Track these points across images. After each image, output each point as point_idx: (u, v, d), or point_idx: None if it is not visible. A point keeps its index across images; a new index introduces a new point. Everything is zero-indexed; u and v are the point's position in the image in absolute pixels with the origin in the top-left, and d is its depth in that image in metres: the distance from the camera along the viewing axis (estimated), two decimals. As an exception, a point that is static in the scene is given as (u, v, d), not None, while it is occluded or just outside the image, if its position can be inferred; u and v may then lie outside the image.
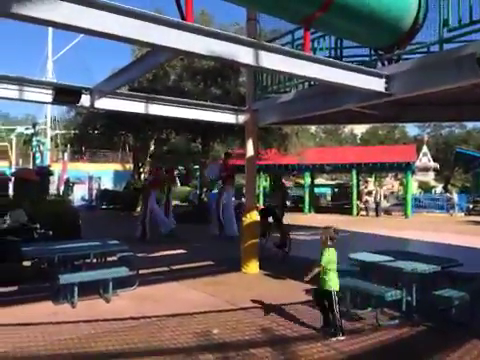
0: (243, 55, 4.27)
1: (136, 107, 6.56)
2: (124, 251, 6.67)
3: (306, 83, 7.36)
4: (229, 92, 16.33)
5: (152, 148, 23.53)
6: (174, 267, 8.47)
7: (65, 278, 5.54)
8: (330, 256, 4.80)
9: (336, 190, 31.41)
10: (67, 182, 21.80)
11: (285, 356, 4.30)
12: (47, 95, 5.73)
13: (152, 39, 3.62)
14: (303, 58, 4.82)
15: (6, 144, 31.45)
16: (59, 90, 5.63)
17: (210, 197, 24.75)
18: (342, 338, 4.64)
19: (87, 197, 26.26)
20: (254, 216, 8.21)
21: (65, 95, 5.66)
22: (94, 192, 26.58)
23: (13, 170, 18.53)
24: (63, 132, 31.84)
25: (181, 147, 25.55)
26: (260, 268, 8.15)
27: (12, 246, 6.75)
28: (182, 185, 32.31)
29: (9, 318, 5.22)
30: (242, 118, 8.30)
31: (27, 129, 21.36)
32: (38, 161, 20.74)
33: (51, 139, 29.75)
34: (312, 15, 4.72)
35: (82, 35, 32.63)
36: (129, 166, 34.10)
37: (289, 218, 11.21)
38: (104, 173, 29.55)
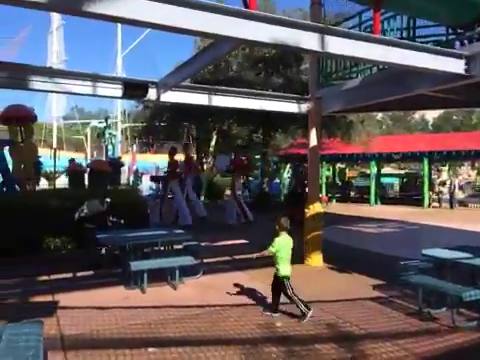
0: (308, 41, 4.10)
1: (199, 99, 6.65)
2: (189, 240, 6.84)
3: (374, 68, 6.95)
4: (291, 80, 16.01)
5: (214, 139, 23.88)
6: (237, 257, 8.55)
7: (135, 265, 5.82)
8: (279, 245, 5.00)
9: (405, 180, 29.73)
10: (136, 172, 22.93)
11: (352, 354, 4.14)
12: (117, 90, 6.00)
13: (216, 30, 3.59)
14: (372, 41, 4.52)
15: (82, 137, 33.94)
16: (128, 85, 5.87)
17: (271, 187, 24.71)
18: (306, 319, 4.83)
19: (154, 187, 27.49)
20: (318, 207, 8.01)
21: (133, 89, 5.89)
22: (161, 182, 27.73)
23: (88, 162, 19.83)
24: (132, 125, 33.55)
25: (242, 137, 25.73)
26: (324, 261, 7.95)
27: (89, 234, 7.24)
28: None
29: (86, 301, 5.61)
30: (305, 107, 8.08)
31: (100, 123, 22.82)
32: (110, 153, 22.06)
33: (121, 132, 31.49)
34: (383, -6, 4.40)
35: (148, 30, 34.00)
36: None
37: (353, 209, 10.76)
38: (169, 164, 30.68)
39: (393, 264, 6.08)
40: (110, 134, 21.76)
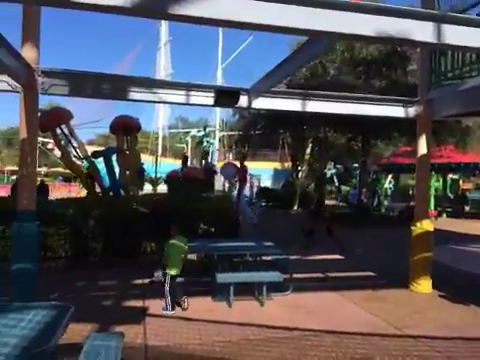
0: (420, 32, 3.46)
1: (292, 105, 6.28)
2: (278, 254, 6.48)
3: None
4: (395, 83, 14.70)
5: (309, 147, 23.24)
6: (330, 274, 7.91)
7: (222, 277, 5.65)
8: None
9: None
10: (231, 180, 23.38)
11: None
12: (209, 98, 5.94)
13: (310, 25, 3.20)
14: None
15: (183, 145, 35.94)
16: (219, 92, 5.77)
17: (369, 197, 23.07)
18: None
19: (248, 194, 27.79)
20: (426, 225, 7.00)
21: (225, 97, 5.78)
22: (255, 190, 27.92)
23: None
24: (230, 133, 34.49)
25: (339, 145, 24.62)
26: (433, 287, 6.90)
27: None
28: (341, 184, 31.23)
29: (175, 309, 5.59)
30: (413, 111, 7.17)
31: (199, 131, 23.85)
32: (209, 160, 22.87)
33: (219, 140, 32.62)
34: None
35: (248, 41, 34.80)
36: (287, 165, 34.80)
37: (468, 226, 9.29)
38: (264, 171, 30.80)
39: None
40: (208, 142, 22.52)
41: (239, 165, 13.23)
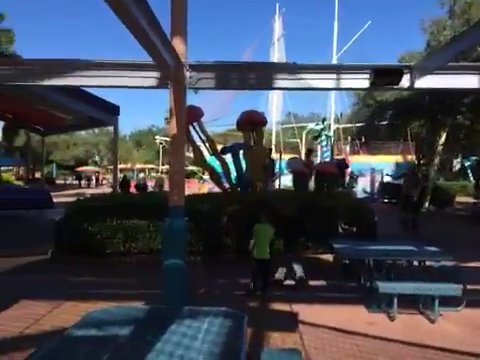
0: None
1: (468, 81, 5.15)
2: (446, 260, 5.45)
3: None
4: None
5: (443, 137, 20.46)
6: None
7: (385, 287, 4.88)
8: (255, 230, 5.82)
9: None
10: (351, 175, 22.02)
11: None
12: (363, 80, 5.21)
13: None
14: None
15: (297, 140, 35.29)
16: (378, 72, 4.99)
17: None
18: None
19: (368, 190, 25.89)
20: None
21: (384, 77, 4.98)
22: (376, 185, 25.97)
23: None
24: (347, 126, 32.70)
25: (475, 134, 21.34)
26: None
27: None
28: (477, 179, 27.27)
29: (326, 318, 5.03)
30: None
31: (317, 125, 22.98)
32: (326, 154, 21.87)
33: (334, 133, 31.11)
34: None
35: (364, 28, 32.58)
36: (411, 157, 31.72)
37: None
38: (385, 165, 28.47)
39: None
40: (326, 136, 21.50)
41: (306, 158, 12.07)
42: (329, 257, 8.06)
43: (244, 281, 6.32)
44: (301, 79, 5.28)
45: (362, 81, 5.21)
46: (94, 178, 43.44)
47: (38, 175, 40.19)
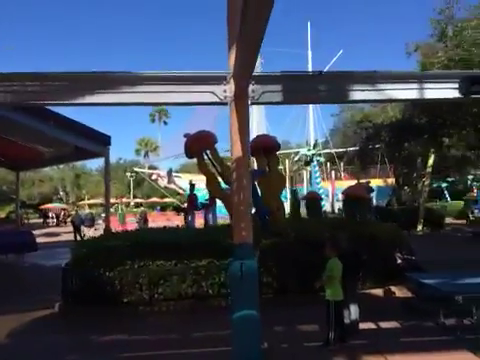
0: None
1: None
2: None
3: None
4: None
5: (432, 158, 20.53)
6: None
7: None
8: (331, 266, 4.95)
9: None
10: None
11: None
12: (451, 90, 4.63)
13: None
14: None
15: (281, 167, 35.00)
16: (472, 80, 4.43)
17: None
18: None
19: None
20: None
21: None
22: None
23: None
24: (333, 151, 32.62)
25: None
26: None
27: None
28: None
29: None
30: None
31: (309, 150, 22.71)
32: (318, 180, 21.50)
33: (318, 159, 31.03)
34: None
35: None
36: (391, 181, 32.09)
37: None
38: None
39: None
40: (318, 161, 21.19)
41: None
42: (378, 292, 7.29)
43: (312, 326, 5.41)
44: (380, 90, 4.64)
45: (449, 91, 4.64)
46: (62, 215, 40.72)
47: (2, 214, 36.99)
